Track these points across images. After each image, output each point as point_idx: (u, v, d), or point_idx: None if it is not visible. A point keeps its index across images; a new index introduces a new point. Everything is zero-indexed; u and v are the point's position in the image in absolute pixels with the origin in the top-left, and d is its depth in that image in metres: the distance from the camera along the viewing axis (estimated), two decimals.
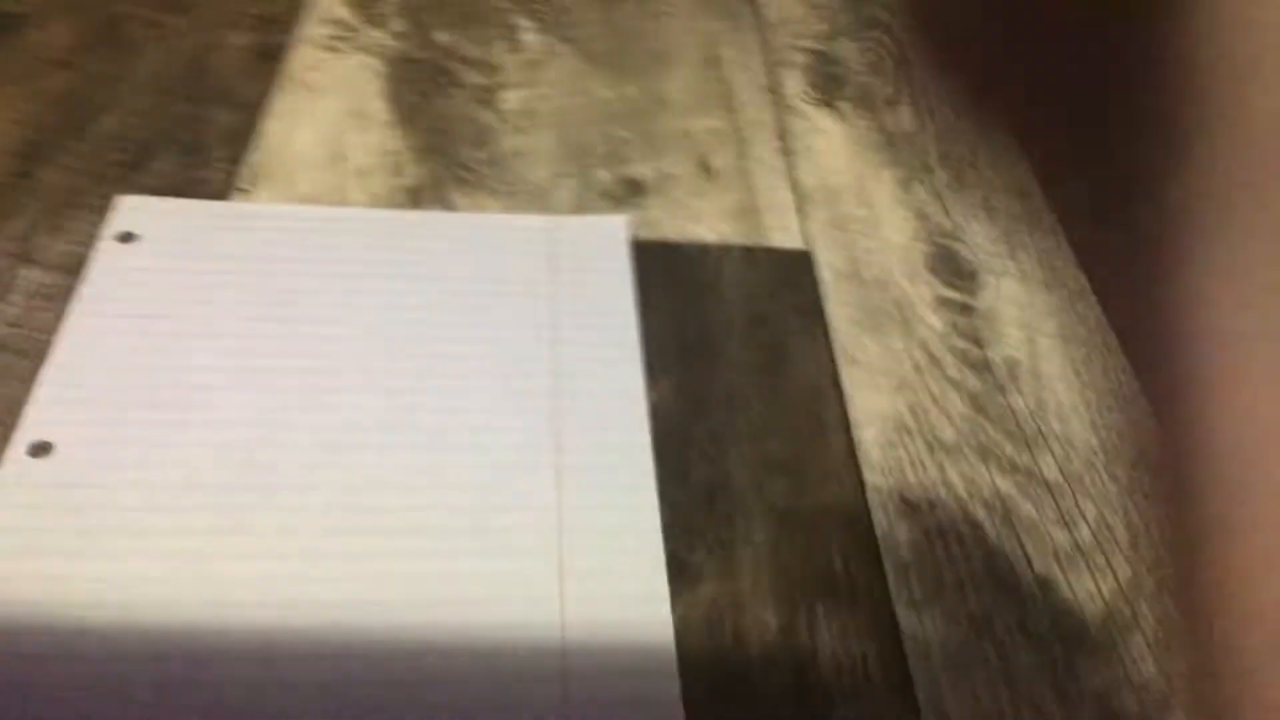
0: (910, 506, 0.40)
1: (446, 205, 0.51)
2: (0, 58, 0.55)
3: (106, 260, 0.45)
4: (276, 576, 0.36)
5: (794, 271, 0.50)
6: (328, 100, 0.56)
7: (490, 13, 0.64)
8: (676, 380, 0.44)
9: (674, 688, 0.34)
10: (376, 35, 0.60)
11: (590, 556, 0.37)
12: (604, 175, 0.54)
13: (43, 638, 0.33)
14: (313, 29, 0.60)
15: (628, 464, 0.40)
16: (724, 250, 0.50)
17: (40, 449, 0.38)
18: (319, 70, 0.58)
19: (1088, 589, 0.38)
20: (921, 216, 0.53)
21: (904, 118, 0.59)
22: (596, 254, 0.48)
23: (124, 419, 0.39)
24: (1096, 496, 0.41)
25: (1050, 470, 0.42)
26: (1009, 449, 0.42)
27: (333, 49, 0.59)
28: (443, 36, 0.61)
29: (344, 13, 0.62)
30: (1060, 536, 0.40)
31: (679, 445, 0.42)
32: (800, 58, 0.64)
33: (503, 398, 0.42)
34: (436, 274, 0.47)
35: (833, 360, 0.45)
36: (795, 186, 0.54)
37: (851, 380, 0.44)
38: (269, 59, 0.58)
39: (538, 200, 0.52)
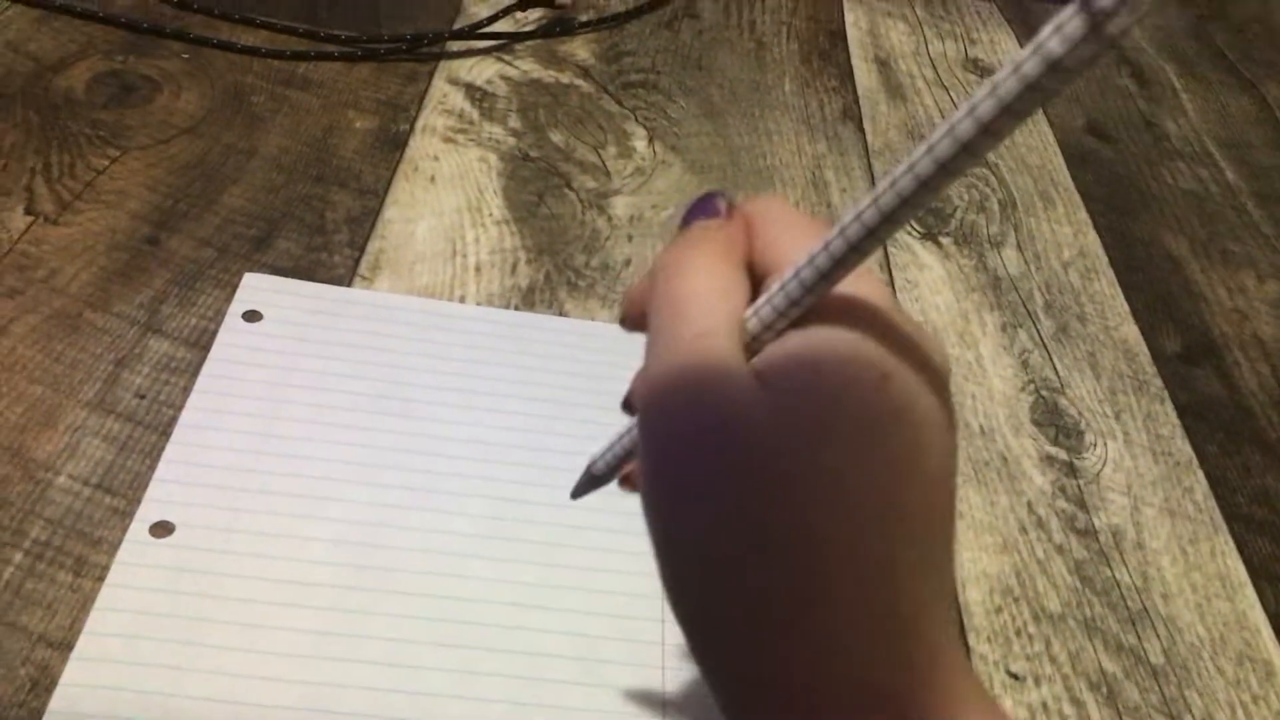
0: (1016, 679, 0.39)
1: (558, 308, 0.51)
2: (134, 120, 0.57)
3: (231, 338, 0.46)
4: (383, 689, 0.36)
5: None
6: (446, 192, 0.57)
7: (603, 117, 0.65)
8: None
9: None
10: (494, 130, 0.62)
11: (693, 706, 0.37)
12: None
13: None
14: (433, 118, 0.62)
15: None
16: None
17: (162, 529, 0.38)
18: (439, 160, 0.59)
19: None
20: (1025, 365, 0.53)
21: (1010, 260, 0.60)
22: None
23: (244, 505, 0.39)
24: (1202, 689, 0.40)
25: (1156, 654, 0.41)
26: (1114, 626, 0.42)
27: (452, 140, 0.60)
28: (557, 137, 0.63)
29: (464, 105, 0.63)
30: None
31: None
32: None
33: (611, 517, 0.42)
34: (548, 380, 0.47)
35: None
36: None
37: (957, 536, 0.44)
38: (391, 145, 0.59)
39: None
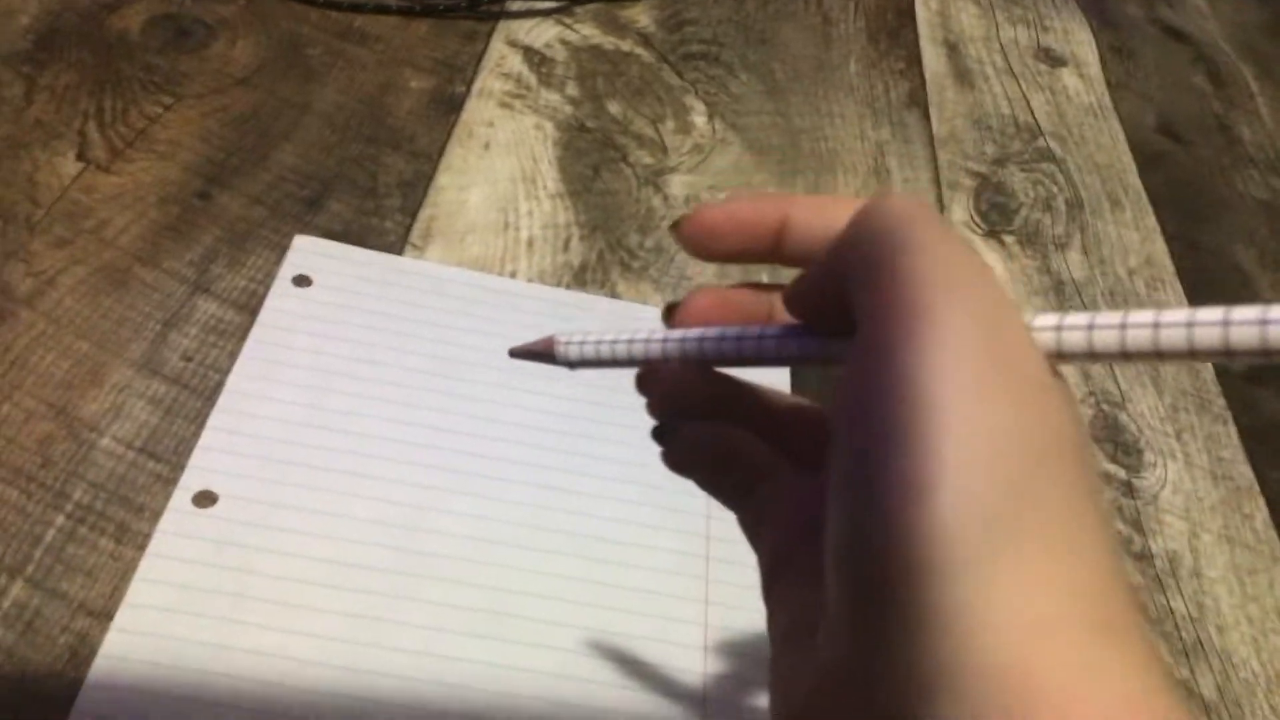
0: None
1: (610, 288, 0.50)
2: (188, 67, 0.55)
3: (281, 303, 0.45)
4: (419, 678, 0.35)
5: None
6: (501, 161, 0.55)
7: (662, 89, 0.63)
8: None
9: None
10: (551, 98, 0.60)
11: (732, 711, 0.36)
12: (767, 280, 0.53)
13: (189, 703, 0.33)
14: (490, 81, 0.60)
15: None
16: None
17: (205, 498, 0.38)
18: (494, 126, 0.57)
19: None
20: (1087, 377, 0.52)
21: (1074, 263, 0.58)
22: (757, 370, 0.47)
23: (288, 478, 0.39)
24: None
25: (1209, 688, 0.40)
26: (1169, 658, 0.41)
27: (508, 106, 0.59)
28: (614, 108, 0.61)
29: (521, 68, 0.62)
30: None
31: None
32: (968, 180, 0.63)
33: (655, 513, 0.41)
34: None
35: None
36: None
37: None
38: (446, 108, 0.58)
39: None
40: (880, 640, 0.15)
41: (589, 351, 0.25)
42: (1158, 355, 0.17)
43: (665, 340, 0.24)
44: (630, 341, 0.24)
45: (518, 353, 0.27)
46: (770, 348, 0.22)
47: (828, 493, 0.17)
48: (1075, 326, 0.18)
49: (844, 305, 0.18)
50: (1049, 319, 0.18)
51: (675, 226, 0.23)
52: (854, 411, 0.16)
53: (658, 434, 0.25)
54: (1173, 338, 0.17)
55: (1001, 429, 0.15)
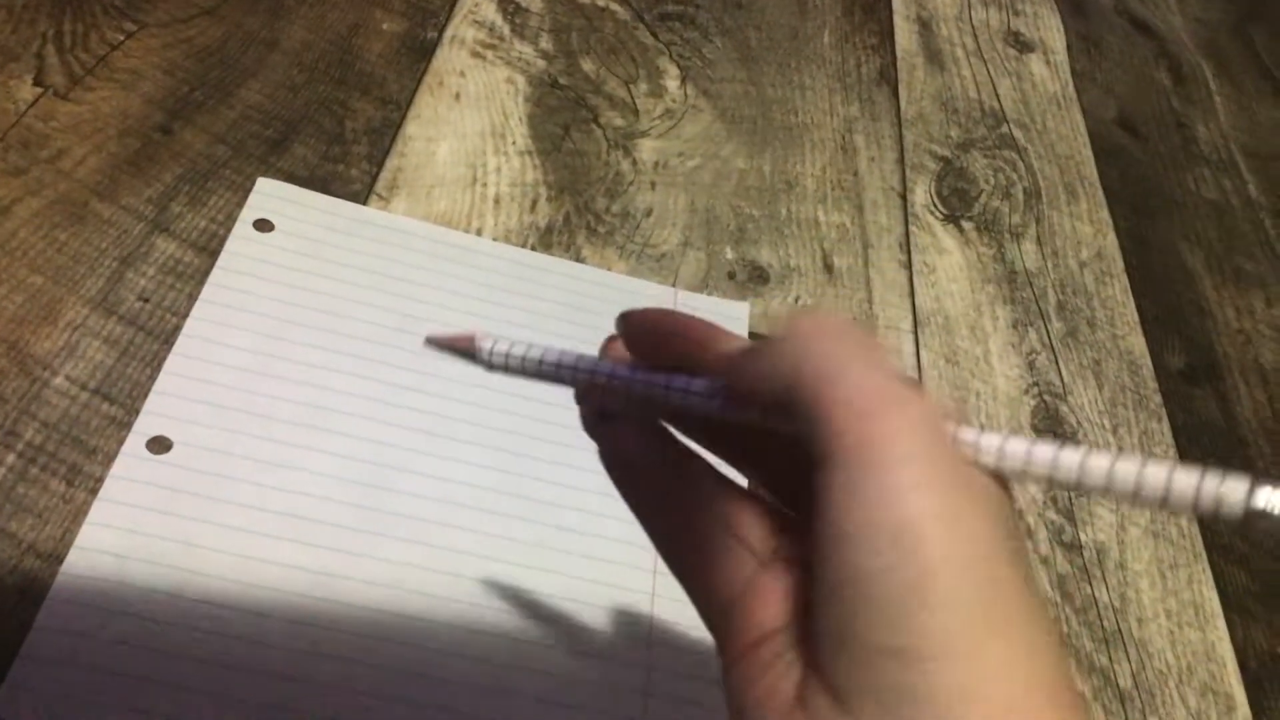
0: None
1: (575, 252, 0.50)
2: None
3: (241, 247, 0.44)
4: (371, 635, 0.36)
5: None
6: (471, 113, 0.55)
7: (636, 49, 0.63)
8: None
9: None
10: (525, 51, 0.60)
11: (677, 677, 0.37)
12: (730, 254, 0.53)
13: (138, 650, 0.33)
14: (463, 29, 0.59)
15: None
16: None
17: (159, 444, 0.38)
18: (465, 77, 0.57)
19: None
20: (1032, 367, 0.53)
21: (1028, 254, 0.59)
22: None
23: (244, 428, 0.39)
24: (1164, 717, 0.41)
25: (1124, 677, 0.42)
26: (1089, 645, 0.43)
27: (480, 56, 0.58)
28: (588, 65, 0.61)
29: (495, 17, 0.61)
30: None
31: None
32: (931, 164, 0.63)
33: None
34: (560, 329, 0.46)
35: None
36: (913, 306, 0.54)
37: None
38: (417, 54, 0.57)
39: (663, 267, 0.51)
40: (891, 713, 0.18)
41: (513, 361, 0.24)
42: (1050, 481, 0.20)
43: (593, 371, 0.23)
44: (558, 365, 0.24)
45: (435, 342, 0.25)
46: (696, 404, 0.22)
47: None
48: (988, 449, 0.20)
49: (779, 399, 0.20)
50: (969, 434, 0.20)
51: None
52: (842, 529, 0.19)
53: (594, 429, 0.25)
54: (1066, 472, 0.19)
55: (970, 538, 0.18)
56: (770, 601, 0.21)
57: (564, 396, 0.42)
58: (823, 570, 0.19)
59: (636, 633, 0.38)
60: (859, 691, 0.18)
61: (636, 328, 0.24)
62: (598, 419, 0.25)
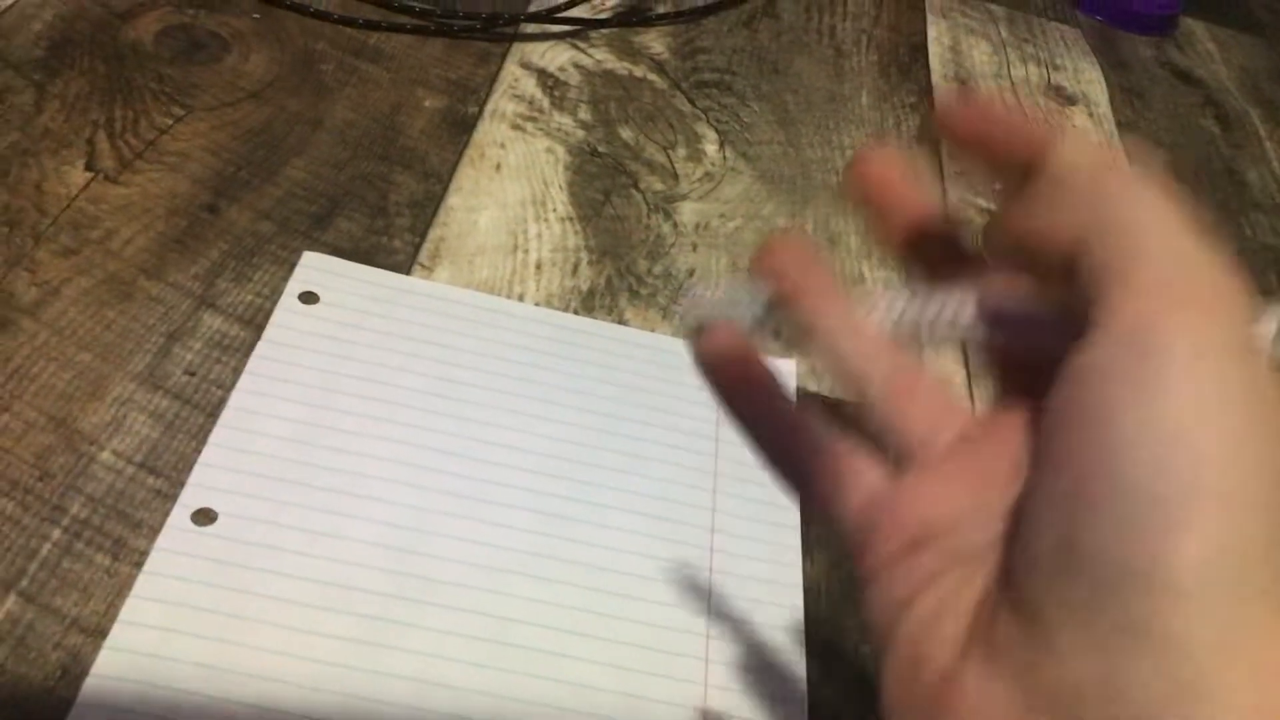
0: None
1: (617, 315, 0.50)
2: (200, 79, 0.55)
3: (286, 319, 0.44)
4: (417, 706, 0.35)
5: None
6: (511, 183, 0.55)
7: (674, 116, 0.63)
8: (832, 556, 0.43)
9: None
10: (564, 121, 0.60)
11: None
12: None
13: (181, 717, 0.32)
14: (503, 103, 0.60)
15: (777, 655, 0.39)
16: None
17: (204, 516, 0.37)
18: (505, 148, 0.57)
19: None
20: None
21: None
22: None
23: (289, 498, 0.38)
24: None
25: None
26: None
27: (520, 128, 0.59)
28: (626, 133, 0.61)
29: (535, 91, 0.62)
30: None
31: (829, 633, 0.40)
32: (977, 217, 0.62)
33: (659, 544, 0.41)
34: (603, 391, 0.46)
35: None
36: (966, 359, 0.53)
37: None
38: (459, 128, 0.57)
39: None
40: (1108, 653, 0.15)
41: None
42: None
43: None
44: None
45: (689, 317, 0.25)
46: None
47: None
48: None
49: (1066, 263, 0.18)
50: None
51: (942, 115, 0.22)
52: (1107, 423, 0.16)
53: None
54: None
55: (1255, 470, 0.15)
56: (924, 504, 0.19)
57: (608, 456, 0.41)
58: (1059, 466, 0.16)
59: (689, 698, 0.37)
60: (1072, 619, 0.15)
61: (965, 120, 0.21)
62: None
